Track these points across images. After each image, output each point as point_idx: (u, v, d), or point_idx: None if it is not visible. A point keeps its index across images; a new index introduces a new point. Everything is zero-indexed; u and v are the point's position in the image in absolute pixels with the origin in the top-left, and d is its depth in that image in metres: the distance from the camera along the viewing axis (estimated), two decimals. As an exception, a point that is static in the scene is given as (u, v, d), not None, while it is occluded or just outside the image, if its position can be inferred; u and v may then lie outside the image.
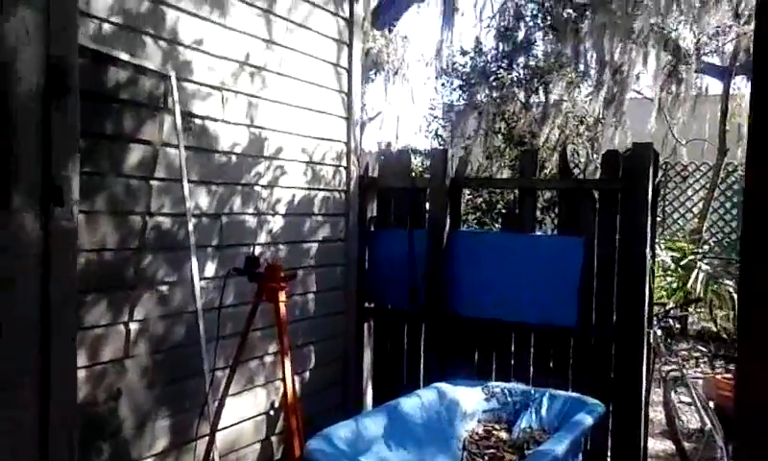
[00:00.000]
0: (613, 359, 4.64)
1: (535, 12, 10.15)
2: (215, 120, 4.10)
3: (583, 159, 9.57)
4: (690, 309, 8.36)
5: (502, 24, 10.37)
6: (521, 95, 9.40)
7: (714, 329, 8.47)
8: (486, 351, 5.06)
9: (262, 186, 4.46)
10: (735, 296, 7.84)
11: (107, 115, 3.46)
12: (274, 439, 4.61)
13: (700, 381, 5.92)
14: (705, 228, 10.13)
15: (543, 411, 4.18)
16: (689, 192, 11.56)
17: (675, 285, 8.15)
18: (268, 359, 4.49)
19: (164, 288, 3.74)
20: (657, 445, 5.68)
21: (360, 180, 5.37)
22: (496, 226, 7.84)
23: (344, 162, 5.25)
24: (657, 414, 5.92)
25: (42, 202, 1.60)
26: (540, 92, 9.43)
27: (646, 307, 4.57)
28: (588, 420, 3.85)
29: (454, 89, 10.25)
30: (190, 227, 3.78)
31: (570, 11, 9.30)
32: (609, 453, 4.66)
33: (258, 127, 4.40)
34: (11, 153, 1.53)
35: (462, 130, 9.70)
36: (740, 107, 11.88)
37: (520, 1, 10.70)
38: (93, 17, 3.35)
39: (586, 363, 4.74)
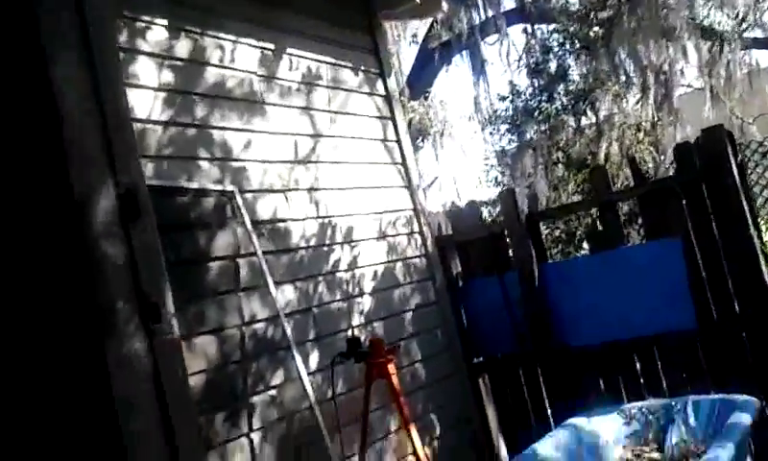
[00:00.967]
0: (750, 350, 4.33)
1: (561, 41, 10.15)
2: (283, 220, 4.16)
3: (651, 165, 9.30)
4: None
5: (532, 61, 10.39)
6: (571, 120, 9.30)
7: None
8: (610, 376, 4.80)
9: (344, 271, 4.46)
10: None
11: (181, 242, 3.54)
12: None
13: None
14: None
15: (691, 421, 3.89)
16: (772, 169, 11.03)
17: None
18: (393, 437, 4.37)
19: (274, 392, 3.72)
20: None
21: (436, 240, 5.32)
22: (581, 253, 7.62)
23: (415, 228, 5.22)
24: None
25: (141, 320, 1.61)
26: (589, 112, 9.31)
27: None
28: (746, 418, 3.54)
29: (503, 135, 10.23)
30: (286, 326, 3.78)
31: (597, 28, 9.26)
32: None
33: (324, 216, 4.44)
34: (100, 282, 1.54)
35: (521, 169, 9.62)
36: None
37: (543, 35, 10.75)
38: (147, 157, 3.48)
39: (719, 362, 4.43)
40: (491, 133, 10.50)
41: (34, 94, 1.59)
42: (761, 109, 11.98)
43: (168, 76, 3.74)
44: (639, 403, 4.21)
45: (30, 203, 1.60)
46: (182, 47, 3.87)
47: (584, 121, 9.48)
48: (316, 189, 4.45)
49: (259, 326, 3.77)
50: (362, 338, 3.88)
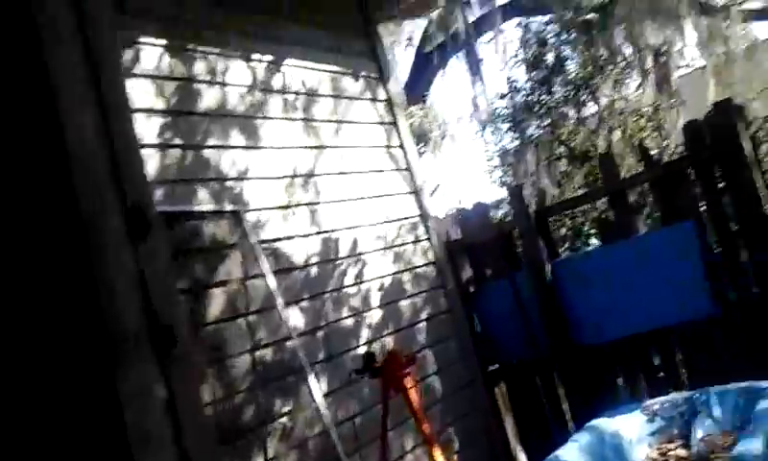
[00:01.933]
0: (771, 332, 4.21)
1: (557, 31, 10.04)
2: (290, 237, 4.08)
3: (655, 151, 9.17)
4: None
5: (529, 54, 10.29)
6: (571, 112, 9.18)
7: None
8: (630, 373, 4.69)
9: (351, 285, 4.37)
10: None
11: (190, 268, 3.47)
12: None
13: None
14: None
15: (717, 413, 3.78)
16: (778, 145, 10.88)
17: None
18: (415, 454, 4.27)
19: (287, 418, 3.63)
20: None
21: (446, 246, 5.23)
22: (590, 247, 7.50)
23: (423, 235, 5.13)
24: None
25: (153, 345, 1.51)
26: (589, 102, 9.19)
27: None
28: (775, 404, 3.44)
29: (504, 133, 10.12)
30: (298, 348, 3.68)
31: (592, 14, 9.16)
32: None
33: (331, 230, 4.36)
34: (108, 305, 1.45)
35: (525, 167, 9.51)
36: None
37: (539, 27, 10.65)
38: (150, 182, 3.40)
39: (742, 347, 4.31)
40: (492, 133, 10.40)
41: (41, 118, 1.52)
42: (763, 84, 11.82)
43: (166, 96, 3.66)
44: (662, 399, 4.11)
45: (36, 224, 1.52)
46: (180, 66, 3.79)
47: (585, 111, 9.36)
48: (321, 203, 4.37)
49: (269, 350, 3.68)
50: (377, 352, 3.77)
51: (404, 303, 4.75)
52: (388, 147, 5.11)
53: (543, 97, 9.28)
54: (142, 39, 3.57)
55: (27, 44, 1.52)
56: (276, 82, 4.36)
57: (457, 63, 11.48)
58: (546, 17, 10.40)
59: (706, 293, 4.26)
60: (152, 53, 3.61)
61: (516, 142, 9.94)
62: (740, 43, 10.75)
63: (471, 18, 10.99)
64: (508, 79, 10.43)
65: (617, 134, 8.63)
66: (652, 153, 9.30)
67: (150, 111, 3.52)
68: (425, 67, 10.52)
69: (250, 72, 4.20)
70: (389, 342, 4.45)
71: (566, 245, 7.80)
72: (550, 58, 9.65)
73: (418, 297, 4.88)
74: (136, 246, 1.49)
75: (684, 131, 4.62)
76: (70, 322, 1.53)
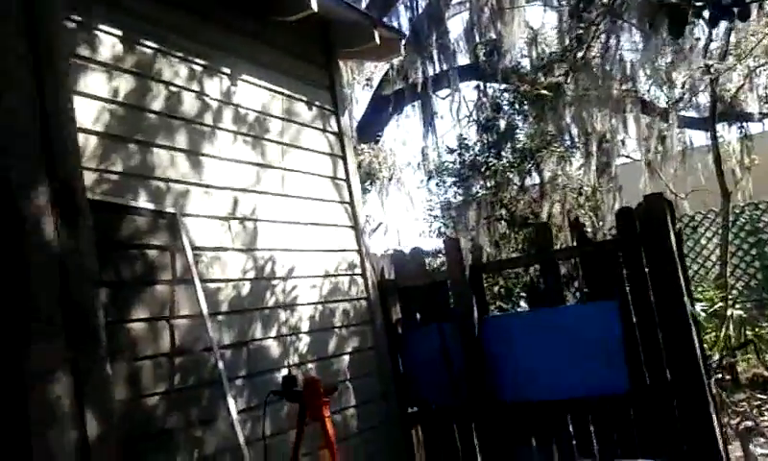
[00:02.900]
0: (679, 417, 4.36)
1: (511, 101, 10.37)
2: (225, 249, 4.03)
3: (590, 230, 9.50)
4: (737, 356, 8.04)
5: (482, 117, 10.58)
6: (516, 179, 9.45)
7: (767, 374, 8.12)
8: (543, 436, 4.76)
9: (282, 308, 4.33)
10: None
11: (119, 262, 3.38)
12: None
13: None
14: (729, 273, 9.94)
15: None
16: (703, 241, 11.43)
17: (713, 335, 7.87)
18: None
19: (200, 429, 3.53)
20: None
21: (379, 284, 5.25)
22: (519, 309, 7.65)
23: (358, 270, 5.14)
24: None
25: (67, 328, 1.47)
26: (534, 173, 9.49)
27: (700, 358, 4.34)
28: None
29: (449, 187, 10.31)
30: (219, 360, 3.61)
31: (545, 91, 9.51)
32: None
33: (268, 249, 4.33)
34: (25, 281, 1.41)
35: (465, 223, 9.68)
36: (728, 152, 12.01)
37: (495, 93, 10.98)
38: (89, 169, 3.32)
39: (650, 427, 4.45)
40: (437, 185, 10.58)
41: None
42: (693, 186, 12.45)
43: (118, 88, 3.61)
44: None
45: None
46: (135, 60, 3.75)
47: (528, 181, 9.64)
48: (260, 220, 4.34)
49: (190, 358, 3.59)
50: (298, 377, 3.72)
51: (331, 333, 4.73)
52: (333, 178, 5.14)
53: (491, 160, 9.52)
54: (99, 26, 3.53)
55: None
56: (229, 95, 4.35)
57: (412, 112, 11.69)
58: (503, 86, 10.74)
59: (621, 371, 4.40)
60: (106, 42, 3.57)
61: (460, 198, 10.13)
62: (676, 145, 11.35)
63: (431, 72, 11.24)
64: (459, 136, 10.68)
65: (557, 207, 8.90)
66: (588, 231, 9.66)
67: (96, 98, 3.46)
68: (381, 109, 10.66)
69: (205, 79, 4.19)
70: (311, 368, 4.41)
71: (496, 303, 7.93)
72: (502, 124, 9.94)
73: (345, 329, 4.86)
74: (62, 226, 1.46)
75: (617, 216, 4.81)
76: None
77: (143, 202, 3.60)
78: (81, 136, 3.26)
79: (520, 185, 9.37)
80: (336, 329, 4.77)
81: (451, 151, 10.34)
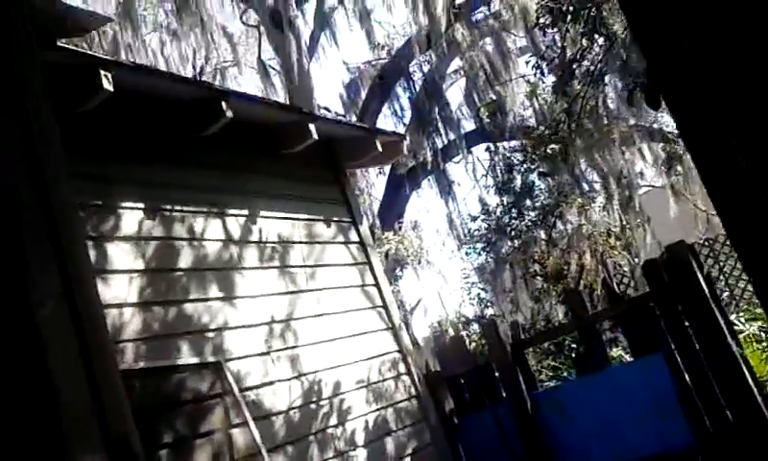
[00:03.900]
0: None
1: (521, 159, 10.51)
2: (270, 382, 4.15)
3: (627, 268, 9.47)
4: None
5: (497, 180, 10.73)
6: (542, 234, 9.51)
7: None
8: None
9: (334, 426, 4.42)
10: None
11: (175, 419, 3.52)
12: None
13: None
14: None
15: None
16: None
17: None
18: None
19: None
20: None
21: (426, 378, 5.32)
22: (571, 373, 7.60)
23: (402, 369, 5.22)
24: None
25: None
26: (558, 223, 9.54)
27: (758, 397, 4.28)
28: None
29: (479, 253, 10.41)
30: (281, 497, 3.70)
31: (554, 146, 9.64)
32: None
33: (311, 371, 4.45)
34: None
35: (501, 285, 9.73)
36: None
37: (505, 153, 11.15)
38: (129, 341, 3.50)
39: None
40: (467, 253, 10.70)
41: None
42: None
43: (144, 257, 3.82)
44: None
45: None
46: (159, 226, 3.97)
47: (555, 232, 9.69)
48: (299, 346, 4.48)
49: (255, 499, 3.69)
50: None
51: (389, 440, 4.79)
52: (363, 286, 5.28)
53: (514, 220, 9.62)
54: (120, 204, 3.77)
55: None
56: (252, 234, 4.56)
57: (428, 185, 11.92)
58: (512, 143, 10.92)
59: (680, 423, 4.37)
60: (128, 217, 3.80)
61: (492, 261, 10.21)
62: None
63: (440, 144, 11.49)
64: (480, 199, 10.84)
65: (588, 257, 8.92)
66: (624, 270, 9.61)
67: (125, 272, 3.66)
68: (399, 190, 10.90)
69: (225, 225, 4.40)
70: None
71: (548, 362, 7.90)
72: (518, 182, 10.08)
73: (401, 432, 4.92)
74: None
75: (644, 269, 4.85)
76: None
77: (187, 357, 3.76)
78: (116, 311, 3.51)
79: (547, 239, 9.43)
80: (392, 434, 4.83)
81: (474, 218, 10.49)
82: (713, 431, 4.37)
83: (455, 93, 14.86)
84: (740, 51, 1.12)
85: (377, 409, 4.82)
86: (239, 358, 4.05)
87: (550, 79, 8.70)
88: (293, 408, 4.22)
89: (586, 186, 9.87)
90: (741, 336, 4.90)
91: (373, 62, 12.19)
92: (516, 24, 10.55)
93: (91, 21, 3.83)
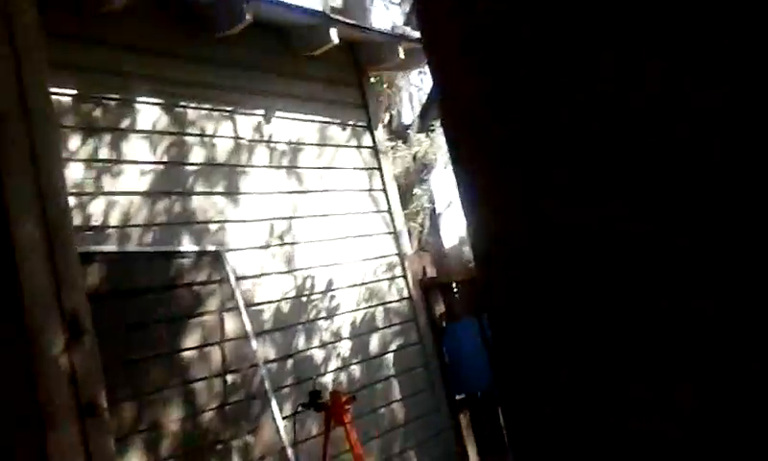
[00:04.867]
0: None
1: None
2: (266, 274, 4.58)
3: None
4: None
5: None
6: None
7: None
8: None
9: (323, 319, 4.86)
10: None
11: (171, 300, 3.99)
12: None
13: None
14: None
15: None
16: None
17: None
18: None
19: (250, 437, 4.13)
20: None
21: (421, 283, 5.68)
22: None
23: (399, 272, 5.59)
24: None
25: (79, 417, 2.03)
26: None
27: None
28: None
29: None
30: (263, 373, 4.18)
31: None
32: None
33: (307, 267, 4.85)
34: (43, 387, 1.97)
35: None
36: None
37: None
38: (140, 226, 3.95)
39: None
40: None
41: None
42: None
43: (159, 150, 4.20)
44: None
45: None
46: (173, 122, 4.31)
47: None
48: (298, 242, 4.86)
49: (238, 375, 4.19)
50: (324, 390, 4.24)
51: (375, 336, 5.22)
52: (370, 191, 5.59)
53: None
54: (138, 99, 4.12)
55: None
56: (264, 134, 4.87)
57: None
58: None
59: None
60: (146, 112, 4.15)
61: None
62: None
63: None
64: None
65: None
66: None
67: (140, 163, 4.06)
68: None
69: (240, 124, 4.72)
70: (355, 370, 4.93)
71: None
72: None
73: (389, 329, 5.34)
74: (69, 347, 2.01)
75: None
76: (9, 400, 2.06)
77: (187, 245, 4.20)
78: (126, 199, 3.95)
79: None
80: (379, 331, 5.26)
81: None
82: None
83: None
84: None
85: (368, 307, 5.23)
86: (238, 250, 4.46)
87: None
88: (285, 299, 4.66)
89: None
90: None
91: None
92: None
93: None
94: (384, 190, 5.71)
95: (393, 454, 4.96)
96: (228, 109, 4.68)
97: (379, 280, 5.40)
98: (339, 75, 5.65)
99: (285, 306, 4.64)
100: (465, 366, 5.54)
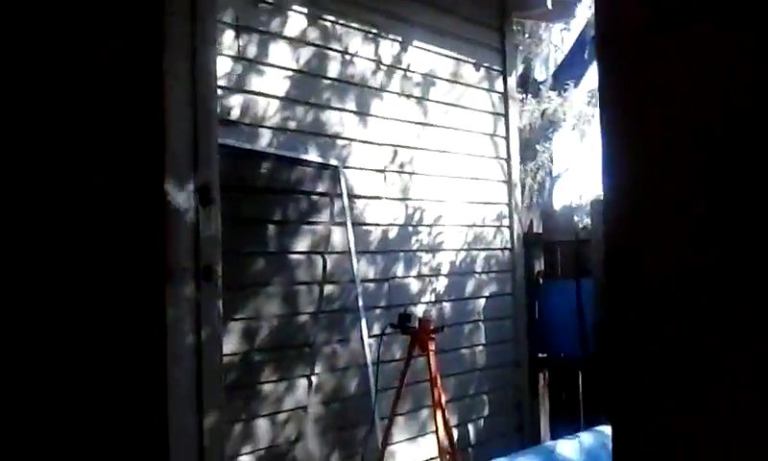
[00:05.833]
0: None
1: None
2: (377, 198, 4.73)
3: None
4: None
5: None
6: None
7: None
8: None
9: (424, 251, 4.98)
10: None
11: (287, 204, 4.22)
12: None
13: None
14: None
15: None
16: None
17: None
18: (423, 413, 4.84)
19: (338, 346, 4.36)
20: None
21: (524, 237, 5.69)
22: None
23: (506, 222, 5.61)
24: None
25: (195, 278, 2.25)
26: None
27: None
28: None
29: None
30: (359, 291, 4.38)
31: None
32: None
33: (416, 199, 4.96)
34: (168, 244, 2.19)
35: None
36: None
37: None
38: (270, 128, 4.16)
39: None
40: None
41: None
42: None
43: (299, 58, 4.36)
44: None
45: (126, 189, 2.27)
46: (316, 33, 4.46)
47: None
48: (415, 173, 4.97)
49: (336, 288, 4.40)
50: (414, 315, 4.37)
51: (471, 278, 5.31)
52: (492, 135, 5.59)
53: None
54: (286, 4, 4.28)
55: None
56: (401, 59, 4.95)
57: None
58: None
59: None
60: (292, 19, 4.30)
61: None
62: None
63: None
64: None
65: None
66: None
67: (281, 68, 4.24)
68: (583, 50, 10.57)
69: (377, 47, 4.81)
70: (447, 307, 5.05)
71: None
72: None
73: (486, 275, 5.41)
74: (198, 214, 2.21)
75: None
76: (139, 258, 2.28)
77: (311, 155, 4.39)
78: (264, 100, 4.16)
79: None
80: (476, 275, 5.33)
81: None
82: None
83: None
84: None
85: (469, 249, 5.31)
86: (357, 169, 4.62)
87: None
88: (392, 225, 4.80)
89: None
90: None
91: None
92: None
93: None
94: (507, 138, 5.70)
95: (466, 395, 5.09)
96: (372, 31, 4.77)
97: (485, 226, 5.45)
98: (482, 14, 5.62)
99: (391, 232, 4.79)
100: (554, 326, 5.56)
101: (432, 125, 5.14)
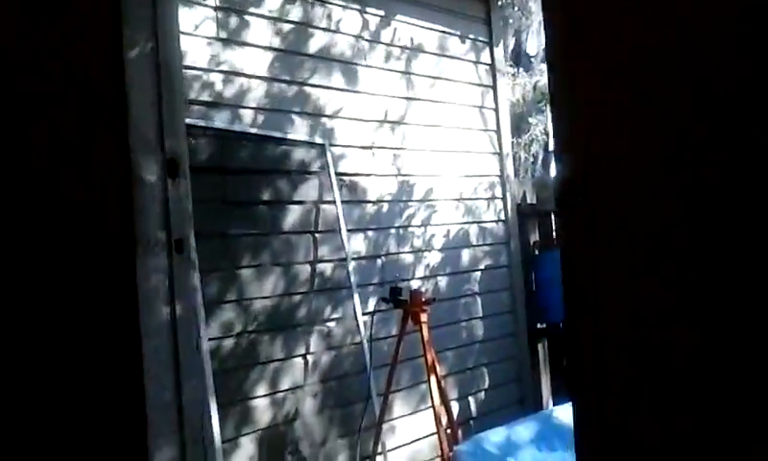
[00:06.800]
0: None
1: None
2: (366, 175, 4.69)
3: None
4: None
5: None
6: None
7: None
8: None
9: (416, 226, 4.94)
10: None
11: (274, 183, 4.18)
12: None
13: None
14: None
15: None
16: None
17: None
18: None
19: (332, 324, 4.33)
20: None
21: (518, 207, 5.64)
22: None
23: (498, 194, 5.56)
24: None
25: (168, 251, 2.22)
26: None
27: None
28: None
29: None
30: (350, 268, 4.34)
31: None
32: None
33: (406, 174, 4.92)
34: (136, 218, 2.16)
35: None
36: None
37: None
38: (251, 108, 4.11)
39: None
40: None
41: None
42: None
43: (278, 37, 4.30)
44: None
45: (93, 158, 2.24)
46: (296, 11, 4.40)
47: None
48: (401, 149, 4.92)
49: (327, 266, 4.37)
50: (405, 288, 4.32)
51: (466, 251, 5.27)
52: (481, 108, 5.54)
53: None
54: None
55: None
56: (383, 34, 4.89)
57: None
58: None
59: None
60: (272, -1, 4.25)
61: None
62: None
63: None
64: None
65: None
66: None
67: (259, 47, 4.18)
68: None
69: (358, 22, 4.75)
70: (441, 281, 5.01)
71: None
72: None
73: (480, 248, 5.37)
74: (166, 185, 2.18)
75: None
76: (110, 232, 2.26)
77: (297, 134, 4.34)
78: (245, 80, 4.10)
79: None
80: (471, 248, 5.29)
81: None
82: None
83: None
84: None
85: (462, 223, 5.26)
86: (343, 146, 4.57)
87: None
88: (382, 201, 4.76)
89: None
90: None
91: None
92: None
93: None
94: (495, 110, 5.64)
95: (465, 368, 5.06)
96: (353, 5, 4.71)
97: (477, 198, 5.41)
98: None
99: (381, 208, 4.75)
100: (551, 296, 5.52)
101: (419, 99, 5.08)
